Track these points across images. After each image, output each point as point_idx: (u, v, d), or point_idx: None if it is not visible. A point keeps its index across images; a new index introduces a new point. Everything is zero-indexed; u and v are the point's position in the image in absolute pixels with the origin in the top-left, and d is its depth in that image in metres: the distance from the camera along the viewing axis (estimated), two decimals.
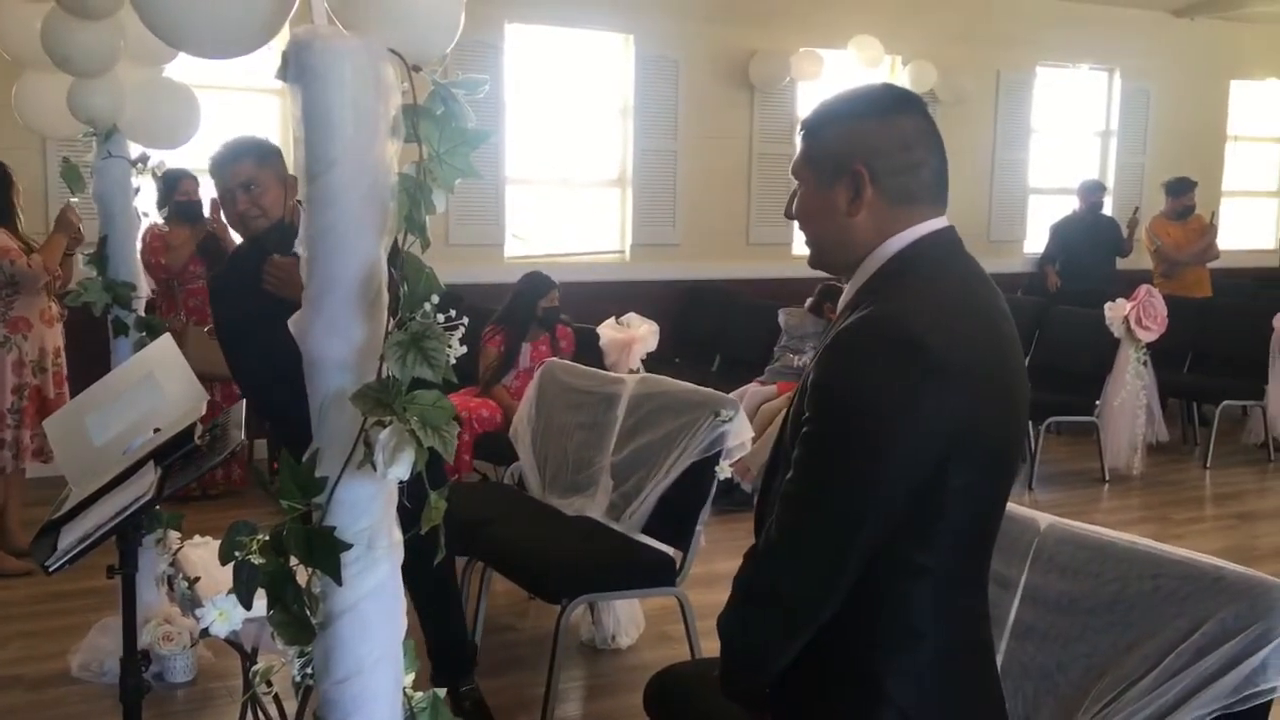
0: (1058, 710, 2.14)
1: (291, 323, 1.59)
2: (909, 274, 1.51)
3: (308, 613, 1.60)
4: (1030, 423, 6.47)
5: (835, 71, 7.93)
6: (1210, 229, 8.09)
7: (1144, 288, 6.55)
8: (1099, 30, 8.94)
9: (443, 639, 3.40)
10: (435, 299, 1.50)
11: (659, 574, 3.45)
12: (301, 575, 1.61)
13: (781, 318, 6.42)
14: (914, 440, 1.42)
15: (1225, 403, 7.07)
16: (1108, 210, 8.65)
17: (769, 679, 1.56)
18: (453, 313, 1.51)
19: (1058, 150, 9.13)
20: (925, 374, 1.40)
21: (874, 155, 1.52)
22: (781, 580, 1.48)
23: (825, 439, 1.45)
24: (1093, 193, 8.32)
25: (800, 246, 1.70)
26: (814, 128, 1.58)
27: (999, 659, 2.25)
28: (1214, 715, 1.88)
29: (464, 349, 1.52)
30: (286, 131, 6.18)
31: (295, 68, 1.49)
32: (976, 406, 1.45)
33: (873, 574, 1.48)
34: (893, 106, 1.55)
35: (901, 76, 8.16)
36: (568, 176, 7.64)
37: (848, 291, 1.58)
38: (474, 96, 1.56)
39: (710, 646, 3.64)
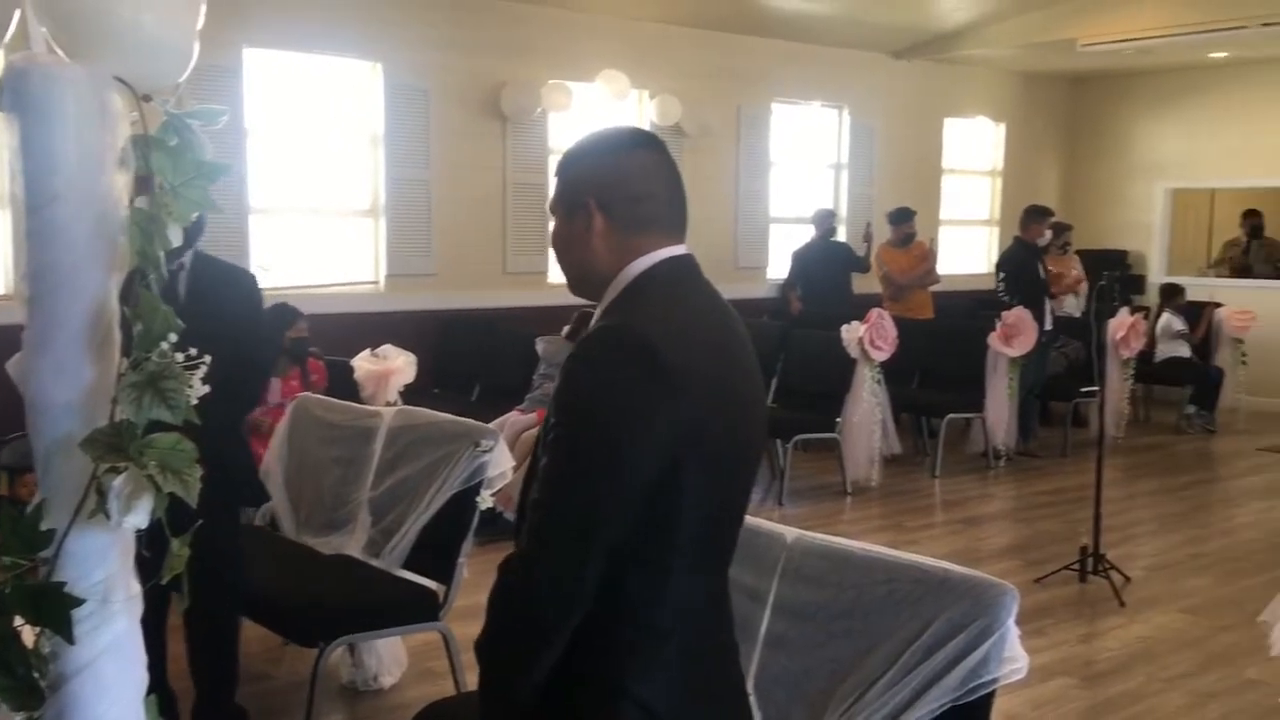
0: (807, 715, 2.25)
1: (10, 365, 1.48)
2: (646, 291, 1.64)
3: (36, 675, 1.49)
4: (779, 440, 6.79)
5: (585, 103, 8.09)
6: (930, 255, 8.75)
7: (875, 311, 7.00)
8: (828, 70, 9.52)
9: (215, 689, 3.26)
10: (173, 337, 1.43)
11: (421, 609, 3.39)
12: (28, 635, 1.50)
13: (540, 346, 6.46)
14: (646, 439, 1.51)
15: (950, 415, 7.64)
16: (841, 237, 9.20)
17: (527, 690, 1.58)
18: (193, 351, 1.46)
19: (796, 182, 9.63)
20: (654, 377, 1.51)
21: (602, 189, 1.65)
22: (531, 583, 1.53)
23: (565, 442, 1.53)
24: (824, 221, 8.84)
25: (556, 275, 1.81)
26: (560, 167, 1.73)
27: (752, 669, 2.36)
28: (945, 708, 2.03)
29: (206, 388, 1.46)
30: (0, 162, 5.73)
31: (11, 97, 1.40)
32: (706, 412, 1.56)
33: (616, 574, 1.56)
34: (623, 145, 1.70)
35: (649, 110, 8.42)
36: (317, 206, 7.43)
37: (596, 314, 1.69)
38: (211, 126, 1.51)
39: (476, 680, 3.61)
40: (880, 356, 6.85)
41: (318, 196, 7.40)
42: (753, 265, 9.26)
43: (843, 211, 9.71)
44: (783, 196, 9.46)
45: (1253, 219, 10.57)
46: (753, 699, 2.36)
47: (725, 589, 1.74)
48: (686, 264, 1.69)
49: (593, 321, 1.68)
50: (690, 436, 1.54)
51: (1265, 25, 7.97)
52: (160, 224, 1.43)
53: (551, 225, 1.75)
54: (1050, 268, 8.35)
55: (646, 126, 8.39)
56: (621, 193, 1.65)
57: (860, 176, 9.85)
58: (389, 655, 3.90)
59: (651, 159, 1.68)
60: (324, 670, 3.28)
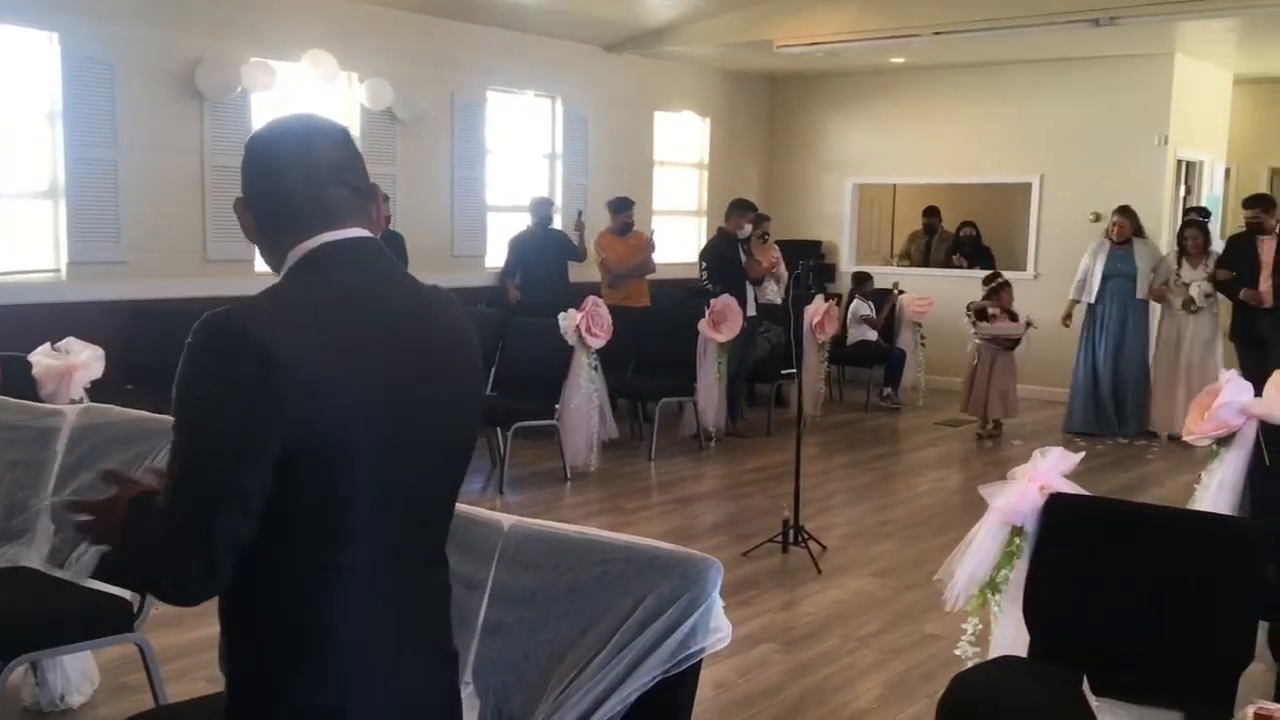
0: (526, 698, 2.27)
1: None
2: (291, 276, 1.63)
3: None
4: (499, 429, 6.81)
5: (290, 84, 7.77)
6: (648, 244, 9.01)
7: (591, 299, 7.14)
8: (541, 60, 9.59)
9: None
10: None
11: (113, 621, 3.16)
12: None
13: None
14: (244, 423, 1.48)
15: (664, 400, 7.92)
16: (558, 225, 9.30)
17: None
18: None
19: (512, 170, 9.64)
20: (246, 359, 1.48)
21: (249, 183, 1.68)
22: (157, 562, 1.55)
23: (175, 430, 1.54)
24: (541, 209, 8.92)
25: (262, 263, 1.75)
26: (242, 162, 1.71)
27: (470, 658, 2.36)
28: (656, 680, 2.10)
29: None
30: None
31: None
32: (341, 403, 1.53)
33: (285, 577, 1.56)
34: (267, 139, 1.69)
35: (358, 93, 8.18)
36: None
37: None
38: None
39: (177, 690, 3.41)
40: (596, 344, 6.99)
41: None
42: (470, 253, 9.20)
43: (558, 201, 9.82)
44: (499, 185, 9.45)
45: (931, 217, 11.58)
46: (471, 688, 2.36)
47: (416, 587, 1.69)
48: (346, 249, 1.64)
49: None
50: (308, 427, 1.50)
51: (936, 34, 8.72)
52: None
53: None
54: (756, 257, 8.80)
55: (355, 110, 8.17)
56: (262, 187, 1.66)
57: (575, 166, 9.99)
58: (77, 672, 3.61)
59: (294, 146, 1.66)
60: (2, 692, 3.00)
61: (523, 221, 9.05)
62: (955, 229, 11.42)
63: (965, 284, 10.74)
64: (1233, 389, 3.88)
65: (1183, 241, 8.37)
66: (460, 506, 2.54)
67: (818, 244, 11.57)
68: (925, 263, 11.37)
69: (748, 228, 8.53)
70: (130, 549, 1.62)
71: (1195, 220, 8.61)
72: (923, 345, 10.07)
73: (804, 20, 9.17)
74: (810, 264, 7.24)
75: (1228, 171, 11.25)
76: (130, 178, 7.17)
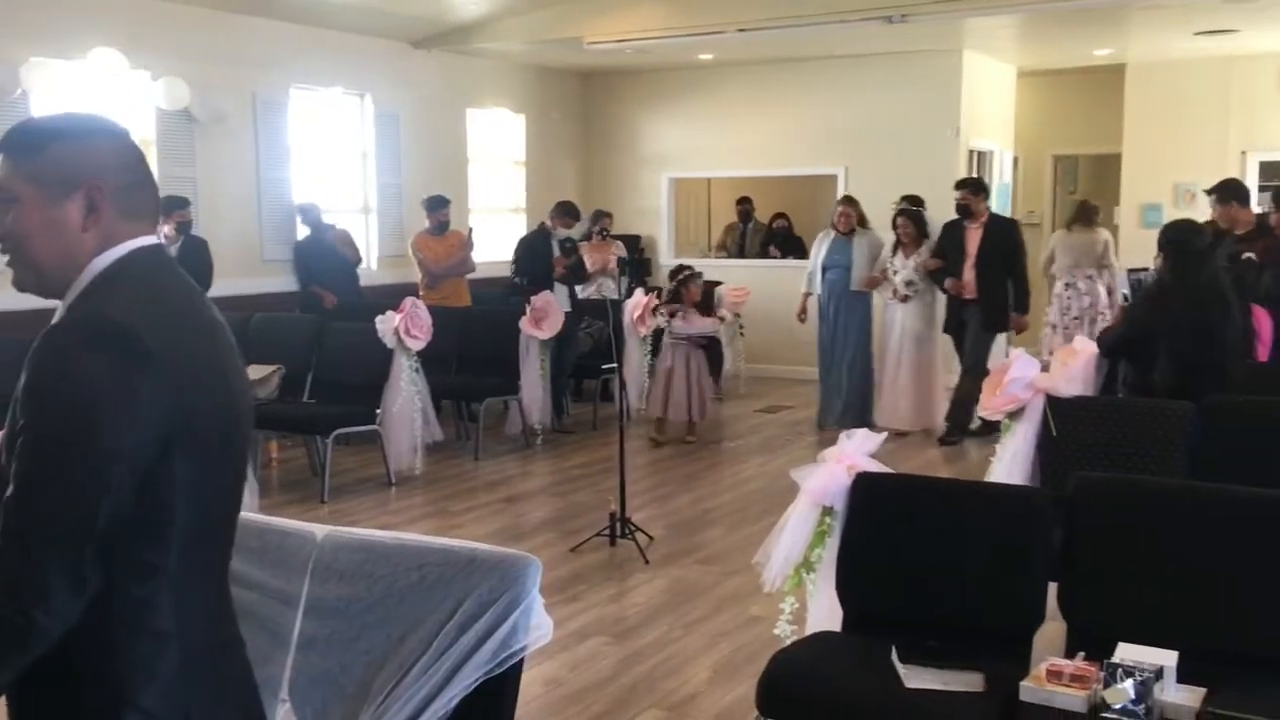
0: (345, 711, 2.23)
1: None
2: (120, 280, 1.58)
3: None
4: (319, 436, 6.63)
5: (75, 83, 7.36)
6: (466, 243, 8.92)
7: (409, 300, 7.04)
8: (348, 57, 9.36)
9: None
10: None
11: None
12: None
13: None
14: (135, 426, 1.46)
15: (488, 399, 7.87)
16: (346, 227, 9.07)
17: None
18: None
19: (324, 171, 9.38)
20: (136, 360, 1.47)
21: (106, 172, 1.58)
22: (18, 590, 1.41)
23: (46, 440, 1.44)
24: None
25: None
26: (32, 145, 1.58)
27: (286, 675, 2.30)
28: (478, 681, 2.10)
29: None
30: None
31: None
32: (192, 398, 1.53)
33: (110, 578, 1.50)
34: (110, 130, 1.64)
35: (154, 92, 7.81)
36: None
37: (63, 307, 1.60)
38: None
39: None
40: (417, 345, 6.89)
41: None
42: (281, 258, 8.89)
43: (373, 202, 9.63)
44: (312, 186, 9.17)
45: (744, 205, 11.86)
46: (289, 705, 2.31)
47: (225, 585, 1.71)
48: (160, 254, 1.66)
49: (58, 314, 1.59)
50: (178, 427, 1.51)
51: (741, 31, 8.94)
52: None
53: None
54: (592, 254, 8.81)
55: (151, 110, 7.81)
56: (121, 178, 1.60)
57: (387, 165, 9.80)
58: None
59: (134, 146, 1.66)
60: None
61: (336, 221, 8.85)
62: (769, 220, 11.74)
63: (781, 273, 11.09)
64: (1020, 365, 4.13)
65: (895, 230, 8.22)
66: (271, 519, 2.49)
67: (637, 238, 11.70)
68: (741, 253, 11.65)
69: (562, 231, 8.61)
70: None
71: (905, 209, 8.19)
72: (741, 335, 10.31)
73: (612, 17, 9.24)
74: (624, 259, 7.41)
75: (1016, 160, 11.93)
76: None
